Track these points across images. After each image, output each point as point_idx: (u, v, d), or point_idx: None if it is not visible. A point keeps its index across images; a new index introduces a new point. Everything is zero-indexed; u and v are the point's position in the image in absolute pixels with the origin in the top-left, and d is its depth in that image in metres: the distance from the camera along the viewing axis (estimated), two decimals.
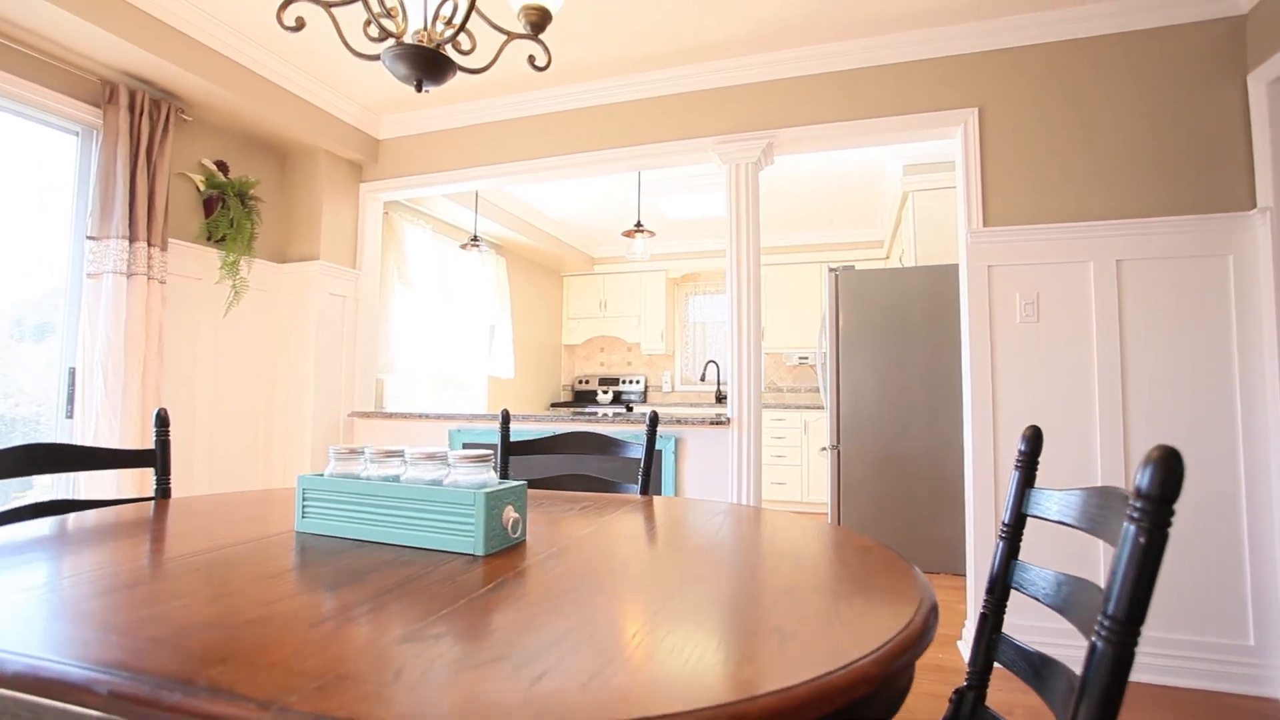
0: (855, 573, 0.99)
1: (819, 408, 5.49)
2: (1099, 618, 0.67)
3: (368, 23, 1.32)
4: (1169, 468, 0.63)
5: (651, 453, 1.90)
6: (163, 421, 1.65)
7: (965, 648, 2.60)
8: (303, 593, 0.85)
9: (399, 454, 1.17)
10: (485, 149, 3.43)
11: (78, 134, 2.68)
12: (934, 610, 0.86)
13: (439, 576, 0.93)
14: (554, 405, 6.29)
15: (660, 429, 2.96)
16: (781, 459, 5.46)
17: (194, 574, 0.92)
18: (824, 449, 4.43)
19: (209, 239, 3.06)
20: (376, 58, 1.28)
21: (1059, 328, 2.56)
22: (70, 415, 2.63)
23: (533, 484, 1.99)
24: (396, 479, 1.16)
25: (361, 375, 3.60)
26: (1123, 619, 0.65)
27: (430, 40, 1.31)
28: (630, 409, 6.04)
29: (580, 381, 6.72)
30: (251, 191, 3.20)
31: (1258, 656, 2.28)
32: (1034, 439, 1.12)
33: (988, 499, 2.58)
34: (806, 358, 5.98)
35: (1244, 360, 2.36)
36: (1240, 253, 2.38)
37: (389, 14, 1.21)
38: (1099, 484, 2.47)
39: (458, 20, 1.26)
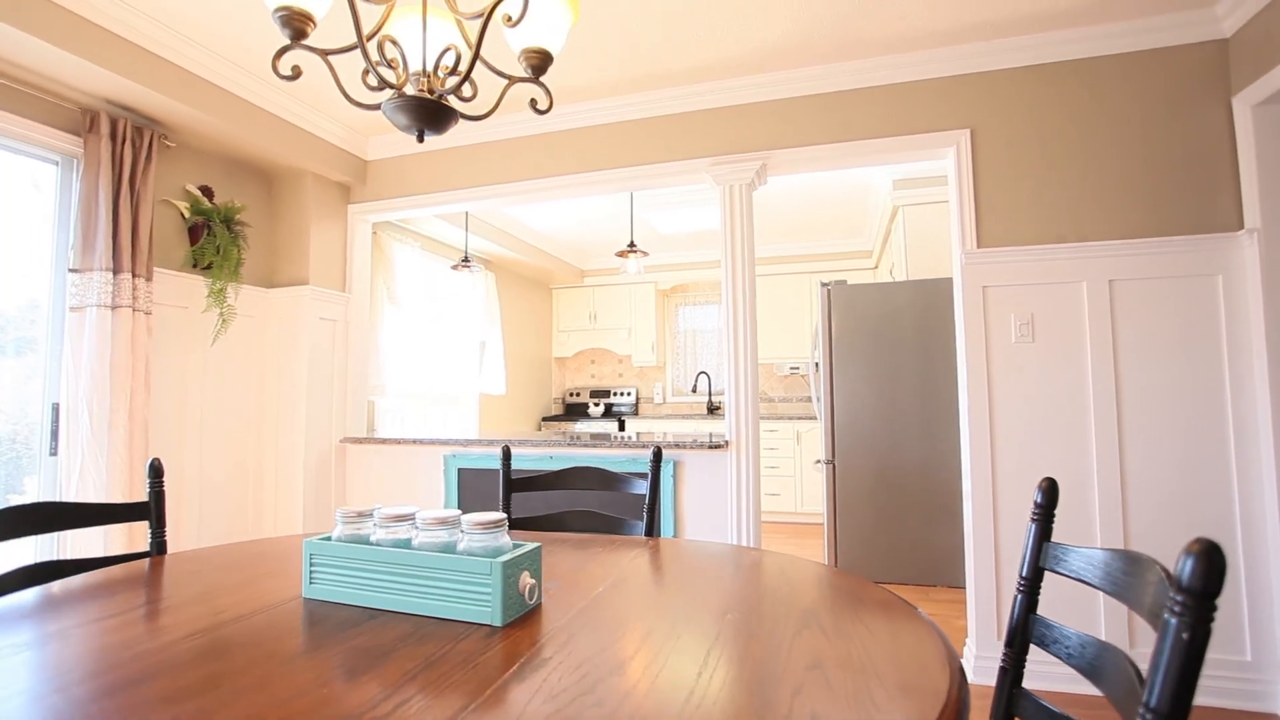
0: (879, 637, 0.98)
1: (811, 418, 5.51)
2: (1141, 710, 0.66)
3: (366, 71, 1.29)
4: (1211, 562, 0.63)
5: (657, 491, 1.89)
6: (156, 473, 1.60)
7: (968, 665, 2.61)
8: (321, 684, 0.82)
9: (409, 518, 1.14)
10: (476, 170, 3.40)
11: (57, 163, 2.62)
12: (965, 682, 0.85)
13: (459, 657, 0.90)
14: (545, 419, 6.25)
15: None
16: (775, 470, 5.47)
17: (202, 663, 0.89)
18: (818, 462, 4.44)
19: (195, 266, 3.00)
20: (376, 107, 1.25)
21: (1054, 347, 2.58)
22: (54, 453, 2.56)
23: (536, 521, 1.96)
24: (408, 543, 1.13)
25: (353, 399, 3.55)
26: (1166, 712, 0.64)
27: (430, 88, 1.28)
28: (623, 423, 6.02)
29: (571, 394, 6.68)
30: (237, 216, 3.14)
31: (1255, 672, 2.31)
32: (1050, 492, 1.12)
33: (986, 517, 2.59)
34: (798, 368, 6.00)
35: (1235, 377, 2.39)
36: (1229, 273, 2.41)
37: (389, 64, 1.18)
38: (1096, 505, 2.49)
39: (461, 68, 1.24)
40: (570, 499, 2.89)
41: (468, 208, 3.55)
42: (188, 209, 2.98)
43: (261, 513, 3.28)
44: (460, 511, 1.13)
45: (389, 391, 4.06)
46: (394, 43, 1.19)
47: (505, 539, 1.10)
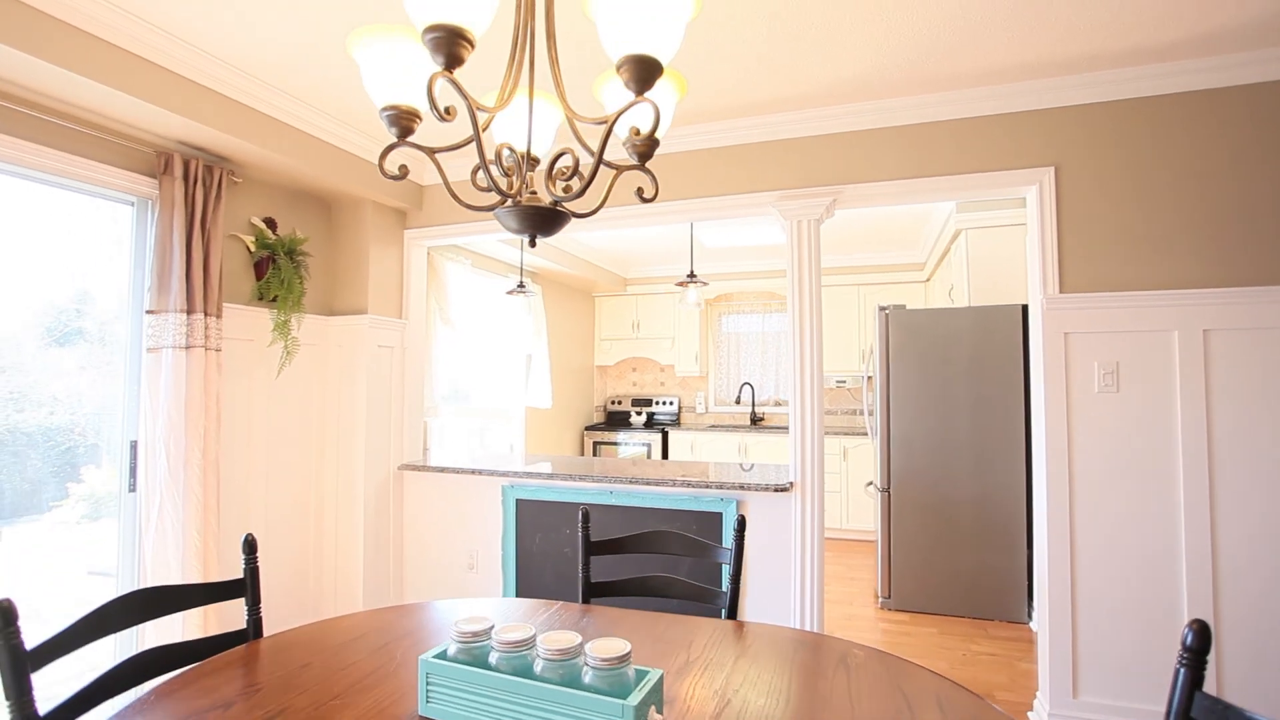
0: None
1: (858, 433, 5.42)
2: None
3: (476, 169, 1.26)
4: None
5: (740, 561, 1.85)
6: (251, 548, 1.62)
7: None
8: None
9: (529, 643, 1.13)
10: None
11: (133, 204, 2.65)
12: None
13: None
14: (588, 428, 6.25)
15: (722, 493, 2.91)
16: None
17: None
18: (870, 485, 4.37)
19: (260, 299, 3.03)
20: (488, 209, 1.22)
21: (1140, 399, 2.47)
22: (133, 489, 2.62)
23: (616, 584, 1.94)
24: (529, 669, 1.11)
25: (409, 423, 3.57)
26: None
27: (526, 167, 1.24)
28: (666, 435, 5.99)
29: (613, 402, 6.67)
30: (300, 247, 3.16)
31: None
32: (1202, 635, 1.05)
33: (1063, 572, 2.51)
34: (844, 381, 5.90)
35: None
36: None
37: (505, 171, 1.14)
38: (1183, 568, 2.39)
39: (580, 170, 1.20)
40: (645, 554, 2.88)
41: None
42: (253, 243, 3.00)
43: (322, 545, 3.33)
44: (580, 638, 1.11)
45: (442, 412, 4.09)
46: (511, 149, 1.16)
47: (629, 672, 1.08)
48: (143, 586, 1.44)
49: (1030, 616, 3.61)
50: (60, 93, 2.17)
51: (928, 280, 5.54)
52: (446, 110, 1.03)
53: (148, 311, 2.56)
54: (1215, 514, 2.37)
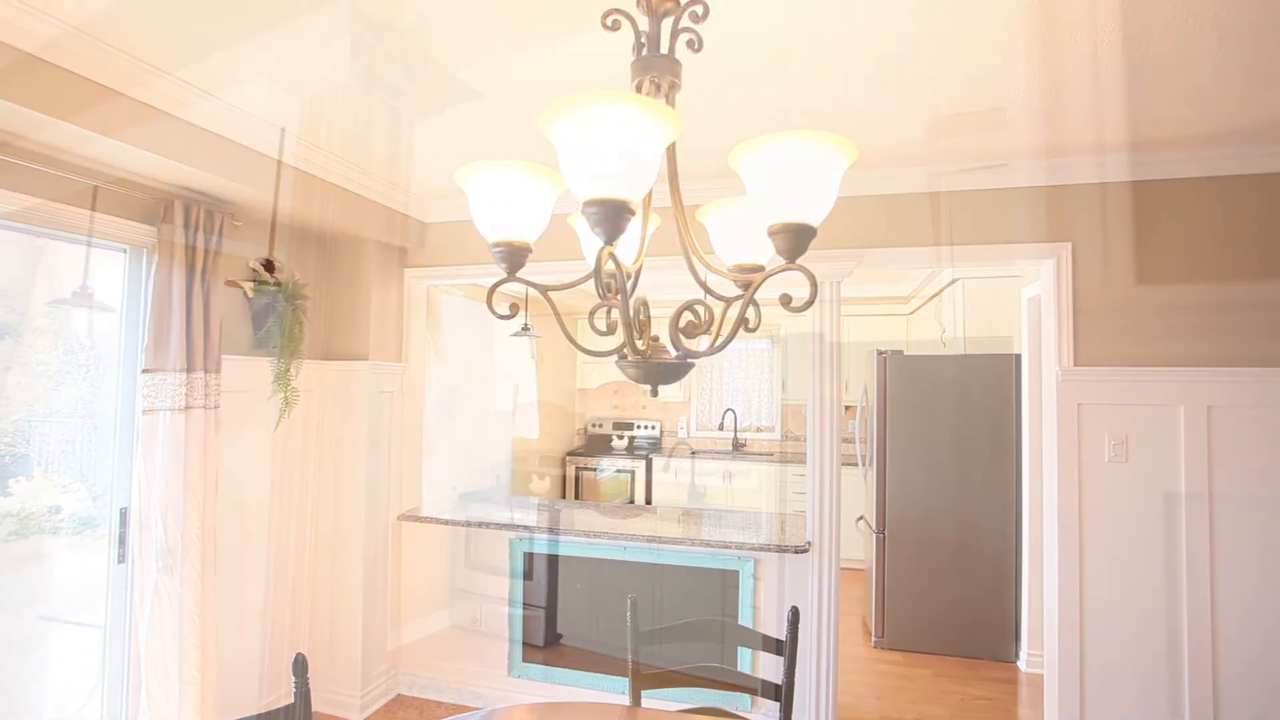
0: None
1: (846, 464, 5.51)
2: None
3: (596, 310, 1.20)
4: None
5: (794, 660, 1.84)
6: (301, 670, 1.51)
7: None
8: None
9: None
10: (548, 244, 3.26)
11: (125, 251, 2.45)
12: None
13: None
14: (570, 454, 6.16)
15: (739, 552, 2.91)
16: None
17: None
18: (860, 520, 4.46)
19: (259, 347, 2.85)
20: (608, 354, 1.16)
21: (1147, 469, 2.58)
22: (122, 560, 2.44)
23: (669, 675, 1.91)
24: None
25: (408, 470, 3.43)
26: None
27: (643, 326, 1.19)
28: (650, 462, 5.95)
29: (593, 425, 6.60)
30: (301, 291, 2.99)
31: None
32: None
33: (1072, 637, 2.61)
34: None
35: None
36: None
37: (640, 329, 1.08)
38: (1185, 632, 2.51)
39: (710, 322, 1.15)
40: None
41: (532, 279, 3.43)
42: (251, 288, 2.82)
43: (318, 601, 3.17)
44: None
45: (435, 451, 3.95)
46: (645, 305, 1.11)
47: None
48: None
49: (1018, 656, 3.75)
50: (66, 144, 1.99)
51: (911, 314, 5.67)
52: (608, 288, 0.97)
53: (144, 370, 2.37)
54: (1215, 583, 2.49)
